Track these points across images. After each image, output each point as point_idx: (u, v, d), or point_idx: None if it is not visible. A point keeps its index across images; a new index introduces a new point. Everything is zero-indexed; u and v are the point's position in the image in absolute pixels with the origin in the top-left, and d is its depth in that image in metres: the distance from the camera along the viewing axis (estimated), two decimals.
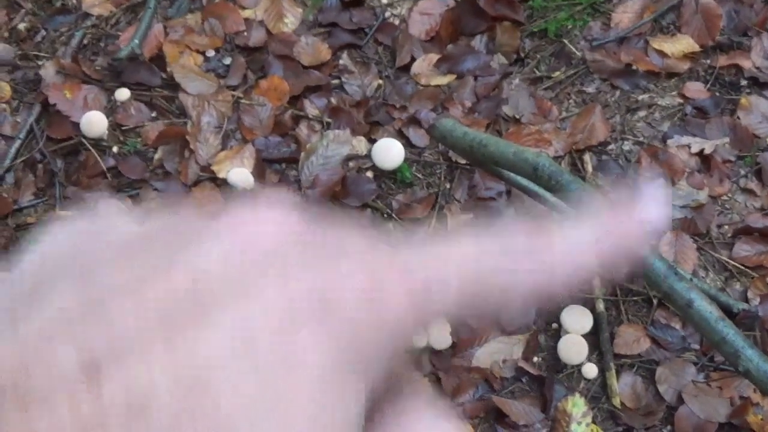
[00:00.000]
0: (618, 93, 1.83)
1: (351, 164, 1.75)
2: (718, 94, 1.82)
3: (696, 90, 1.82)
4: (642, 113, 1.81)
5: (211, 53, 1.89)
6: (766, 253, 1.64)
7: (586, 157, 1.75)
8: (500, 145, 1.28)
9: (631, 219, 0.21)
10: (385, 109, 1.80)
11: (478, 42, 1.89)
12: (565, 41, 1.88)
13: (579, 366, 1.56)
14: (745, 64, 1.83)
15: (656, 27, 1.90)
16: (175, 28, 1.90)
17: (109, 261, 0.19)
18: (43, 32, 1.96)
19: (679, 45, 1.85)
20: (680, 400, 1.51)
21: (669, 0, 1.90)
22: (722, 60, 1.84)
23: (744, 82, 1.83)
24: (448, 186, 1.73)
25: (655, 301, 1.60)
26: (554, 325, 1.61)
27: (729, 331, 1.10)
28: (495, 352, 1.56)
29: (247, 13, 1.93)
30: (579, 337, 1.55)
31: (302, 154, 1.75)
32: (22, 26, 1.96)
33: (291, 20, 1.93)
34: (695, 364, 1.55)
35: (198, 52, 1.88)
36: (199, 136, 1.76)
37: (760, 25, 1.87)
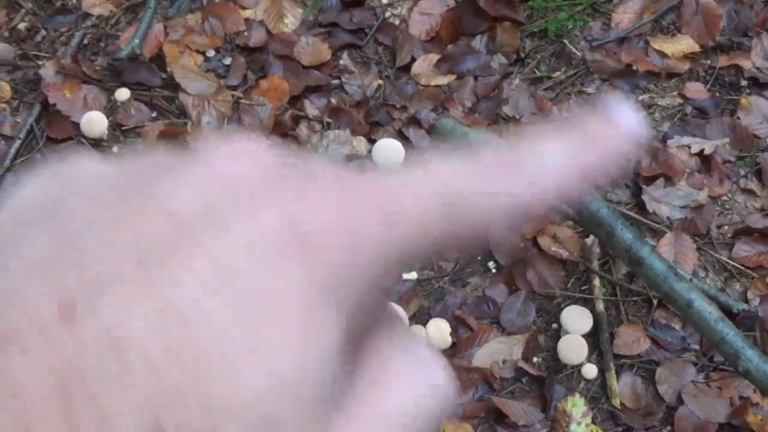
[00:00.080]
0: (618, 93, 1.83)
1: (351, 164, 1.74)
2: (718, 94, 1.82)
3: (696, 90, 1.82)
4: (642, 113, 1.81)
5: (211, 53, 1.89)
6: (766, 254, 1.64)
7: None
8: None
9: (606, 125, 0.21)
10: (386, 110, 1.80)
11: (479, 42, 1.89)
12: (566, 41, 1.88)
13: (579, 366, 1.56)
14: (745, 64, 1.83)
15: (656, 27, 1.90)
16: (176, 28, 1.90)
17: (82, 204, 0.19)
18: (43, 32, 1.96)
19: (679, 45, 1.85)
20: (680, 401, 1.51)
21: (669, 0, 1.90)
22: (722, 60, 1.84)
23: (744, 83, 1.83)
24: None
25: (655, 302, 1.60)
26: (554, 326, 1.61)
27: (729, 331, 1.10)
28: (494, 353, 1.56)
29: (247, 13, 1.93)
30: (579, 338, 1.55)
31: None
32: (22, 26, 1.96)
33: (291, 20, 1.93)
34: (695, 364, 1.55)
35: (198, 52, 1.88)
36: (199, 137, 1.76)
37: (761, 25, 1.87)
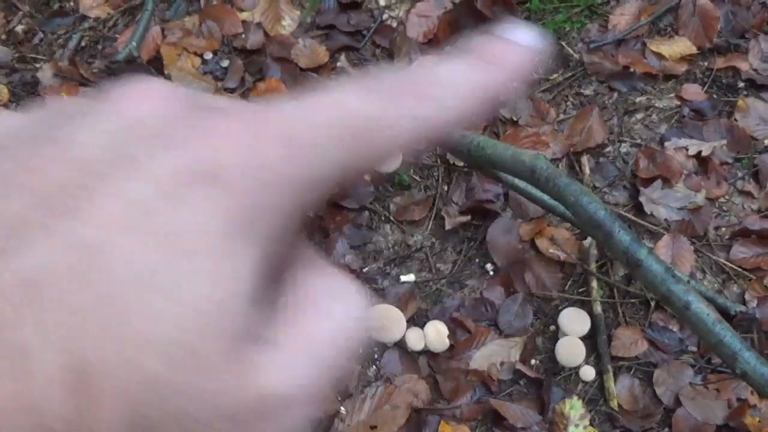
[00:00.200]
0: (615, 95, 1.84)
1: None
2: (715, 96, 1.82)
3: (693, 92, 1.82)
4: (639, 115, 1.81)
5: (208, 56, 1.89)
6: (763, 255, 1.64)
7: (584, 159, 1.75)
8: (498, 148, 1.28)
9: (502, 43, 0.21)
10: None
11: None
12: (563, 43, 1.88)
13: (576, 368, 1.56)
14: (743, 66, 1.83)
15: (654, 29, 1.90)
16: (173, 31, 1.90)
17: None
18: (41, 35, 1.96)
19: (676, 47, 1.85)
20: (678, 403, 1.51)
21: (666, 2, 1.90)
22: (719, 62, 1.85)
23: (741, 84, 1.83)
24: (445, 188, 1.73)
25: (652, 304, 1.60)
26: (552, 328, 1.61)
27: (726, 333, 1.10)
28: (492, 355, 1.56)
29: (244, 16, 1.93)
30: (576, 340, 1.55)
31: None
32: (19, 29, 1.96)
33: (289, 22, 1.93)
34: (693, 366, 1.55)
35: (195, 54, 1.88)
36: None
37: (758, 27, 1.87)
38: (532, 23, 1.89)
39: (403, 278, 1.66)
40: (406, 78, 0.21)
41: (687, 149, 1.74)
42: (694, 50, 1.84)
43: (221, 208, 0.18)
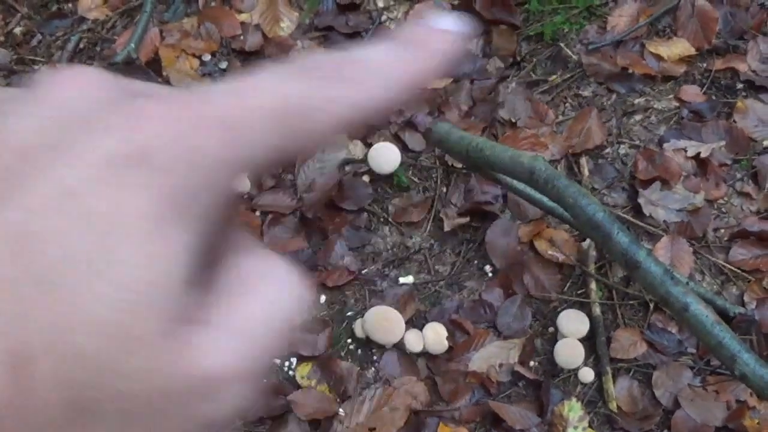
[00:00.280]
0: (614, 96, 1.83)
1: (347, 168, 1.75)
2: (714, 97, 1.82)
3: (692, 93, 1.82)
4: (638, 117, 1.81)
5: (207, 57, 1.89)
6: (762, 257, 1.64)
7: (583, 160, 1.75)
8: (496, 149, 1.28)
9: (424, 28, 0.22)
10: None
11: (475, 45, 1.89)
12: (562, 45, 1.88)
13: (575, 370, 1.55)
14: (741, 67, 1.83)
15: (652, 30, 1.90)
16: (172, 32, 1.90)
17: None
18: (39, 36, 1.96)
19: (675, 48, 1.85)
20: (677, 404, 1.51)
21: (665, 3, 1.90)
22: (718, 63, 1.85)
23: (740, 86, 1.83)
24: (444, 190, 1.73)
25: (651, 305, 1.60)
26: (550, 329, 1.60)
27: (725, 335, 1.10)
28: (491, 357, 1.56)
29: (243, 17, 1.93)
30: (575, 341, 1.55)
31: (298, 158, 1.74)
32: (18, 30, 1.96)
33: (287, 24, 1.92)
34: (692, 368, 1.55)
35: (194, 56, 1.88)
36: None
37: (756, 28, 1.87)
38: (532, 23, 1.89)
39: (401, 280, 1.66)
40: (335, 62, 0.21)
41: (686, 150, 1.74)
42: (692, 51, 1.84)
43: (153, 191, 0.18)
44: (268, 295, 0.21)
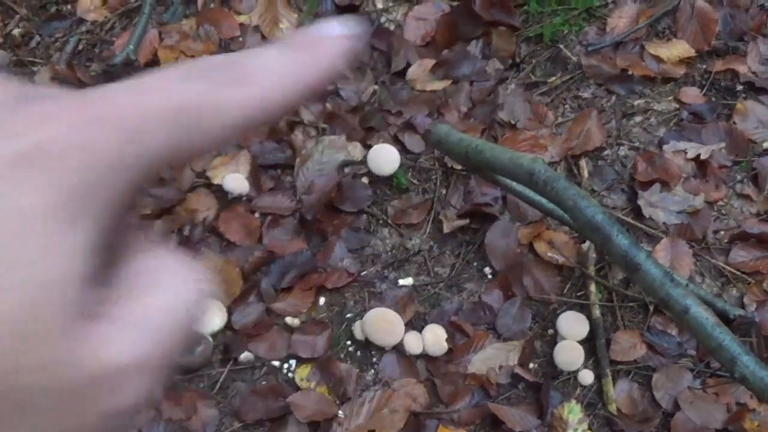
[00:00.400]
0: (614, 98, 1.83)
1: (347, 170, 1.74)
2: (713, 99, 1.82)
3: (692, 95, 1.82)
4: (638, 118, 1.81)
5: None
6: (762, 259, 1.64)
7: (582, 162, 1.75)
8: (496, 151, 1.28)
9: (314, 34, 0.23)
10: (381, 115, 1.80)
11: (474, 47, 1.89)
12: (561, 46, 1.88)
13: (575, 372, 1.55)
14: (741, 68, 1.83)
15: (652, 32, 1.90)
16: (170, 34, 1.90)
17: None
18: (38, 38, 1.96)
19: (674, 50, 1.85)
20: (676, 407, 1.51)
21: (665, 5, 1.90)
22: (718, 65, 1.84)
23: (740, 87, 1.83)
24: (443, 192, 1.73)
25: (651, 307, 1.59)
26: (550, 331, 1.60)
27: (725, 337, 1.10)
28: (491, 359, 1.56)
29: (242, 19, 1.93)
30: (575, 344, 1.55)
31: (298, 159, 1.74)
32: (16, 32, 1.96)
33: (286, 25, 1.92)
34: (692, 370, 1.55)
35: (193, 57, 1.88)
36: None
37: (756, 29, 1.87)
38: (526, 25, 1.89)
39: (401, 282, 1.65)
40: (231, 63, 0.22)
41: (686, 152, 1.74)
42: (692, 53, 1.84)
43: (49, 190, 0.19)
44: (168, 289, 0.22)
